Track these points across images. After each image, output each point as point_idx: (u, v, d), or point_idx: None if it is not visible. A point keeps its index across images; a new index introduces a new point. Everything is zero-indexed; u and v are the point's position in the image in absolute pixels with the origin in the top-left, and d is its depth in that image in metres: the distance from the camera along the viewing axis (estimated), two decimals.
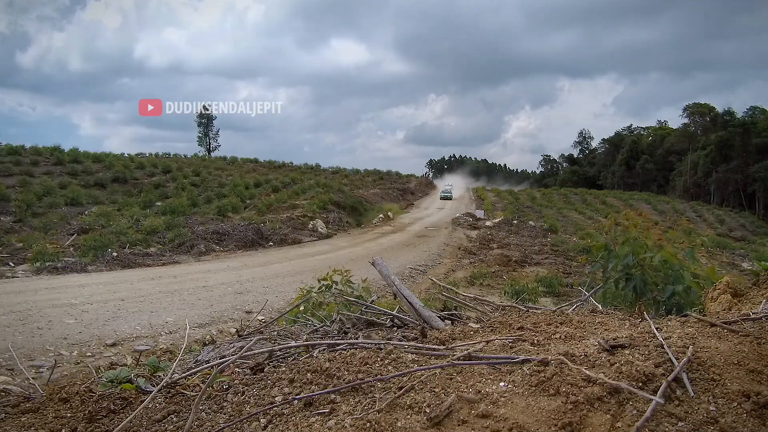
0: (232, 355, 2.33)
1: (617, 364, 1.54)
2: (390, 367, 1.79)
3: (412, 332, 2.62)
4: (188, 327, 5.17)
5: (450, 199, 40.39)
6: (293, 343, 2.48)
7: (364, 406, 1.52)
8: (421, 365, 1.76)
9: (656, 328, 1.88)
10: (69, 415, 1.85)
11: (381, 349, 2.00)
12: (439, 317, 2.94)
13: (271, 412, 1.59)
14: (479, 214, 28.61)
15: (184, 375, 2.12)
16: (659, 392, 1.35)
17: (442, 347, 1.98)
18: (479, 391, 1.49)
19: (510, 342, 1.97)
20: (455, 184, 54.60)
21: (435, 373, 1.65)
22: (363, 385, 1.65)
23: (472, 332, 2.33)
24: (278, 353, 2.35)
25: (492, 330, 2.34)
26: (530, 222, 25.62)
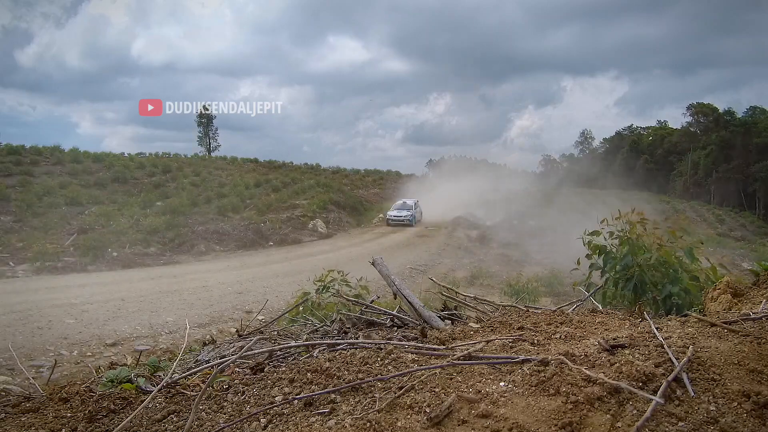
0: (232, 355, 2.33)
1: (617, 364, 1.53)
2: (390, 367, 1.79)
3: (412, 332, 2.62)
4: (188, 327, 5.16)
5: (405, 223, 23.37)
6: (293, 343, 2.49)
7: (364, 406, 1.52)
8: (421, 365, 1.76)
9: (656, 328, 1.88)
10: (69, 414, 1.85)
11: (381, 349, 1.99)
12: (439, 317, 2.94)
13: (271, 411, 1.59)
14: (479, 213, 28.61)
15: (184, 375, 2.12)
16: (659, 392, 1.35)
17: (442, 347, 1.98)
18: (479, 391, 1.49)
19: (510, 342, 1.97)
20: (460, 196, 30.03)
21: (435, 373, 1.65)
22: (363, 385, 1.65)
23: (472, 332, 2.33)
24: (278, 353, 2.35)
25: (492, 330, 2.34)
26: (530, 222, 25.63)
